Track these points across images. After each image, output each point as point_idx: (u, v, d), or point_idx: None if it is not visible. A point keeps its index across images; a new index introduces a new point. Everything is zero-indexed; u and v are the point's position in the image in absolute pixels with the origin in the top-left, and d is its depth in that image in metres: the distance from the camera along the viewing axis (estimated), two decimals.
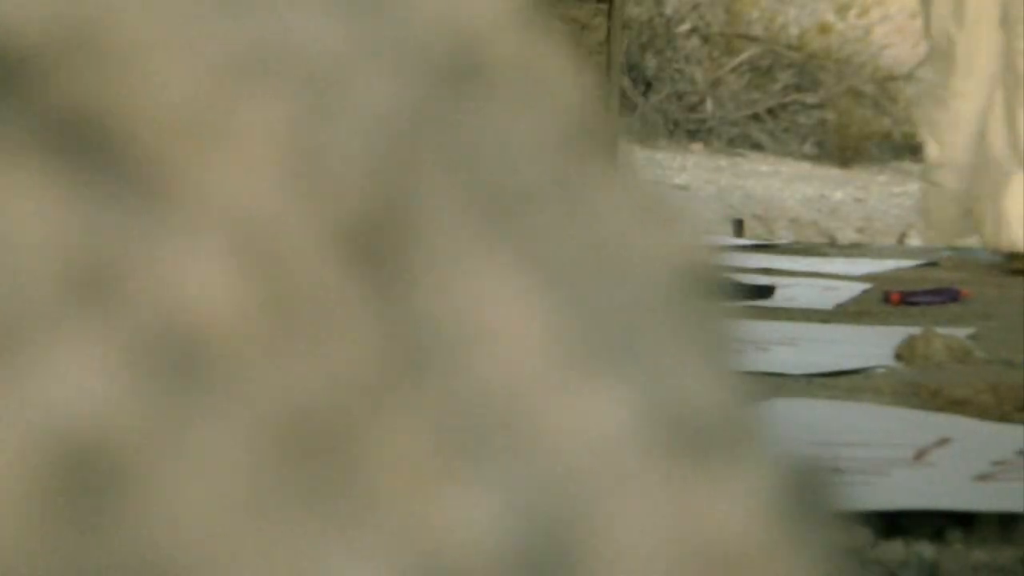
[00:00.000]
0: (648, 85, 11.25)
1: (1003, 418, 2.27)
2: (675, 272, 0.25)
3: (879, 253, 4.48)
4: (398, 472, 0.21)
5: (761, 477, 0.24)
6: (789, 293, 3.32)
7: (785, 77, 11.33)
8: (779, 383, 2.27)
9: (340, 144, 0.21)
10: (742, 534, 0.22)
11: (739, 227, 6.78)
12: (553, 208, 0.24)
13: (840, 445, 1.76)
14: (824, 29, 11.52)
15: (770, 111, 11.12)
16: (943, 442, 1.78)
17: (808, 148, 10.95)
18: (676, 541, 0.21)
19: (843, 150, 10.73)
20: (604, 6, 5.17)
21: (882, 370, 2.39)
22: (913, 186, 10.32)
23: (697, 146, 10.76)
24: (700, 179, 9.56)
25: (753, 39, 11.41)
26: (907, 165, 11.15)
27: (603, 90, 5.09)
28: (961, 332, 2.73)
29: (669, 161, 10.11)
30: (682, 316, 0.25)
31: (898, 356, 2.50)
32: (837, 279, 3.63)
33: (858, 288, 3.42)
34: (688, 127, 10.98)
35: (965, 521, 1.52)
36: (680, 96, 11.03)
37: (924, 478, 1.61)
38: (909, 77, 11.93)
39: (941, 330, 2.62)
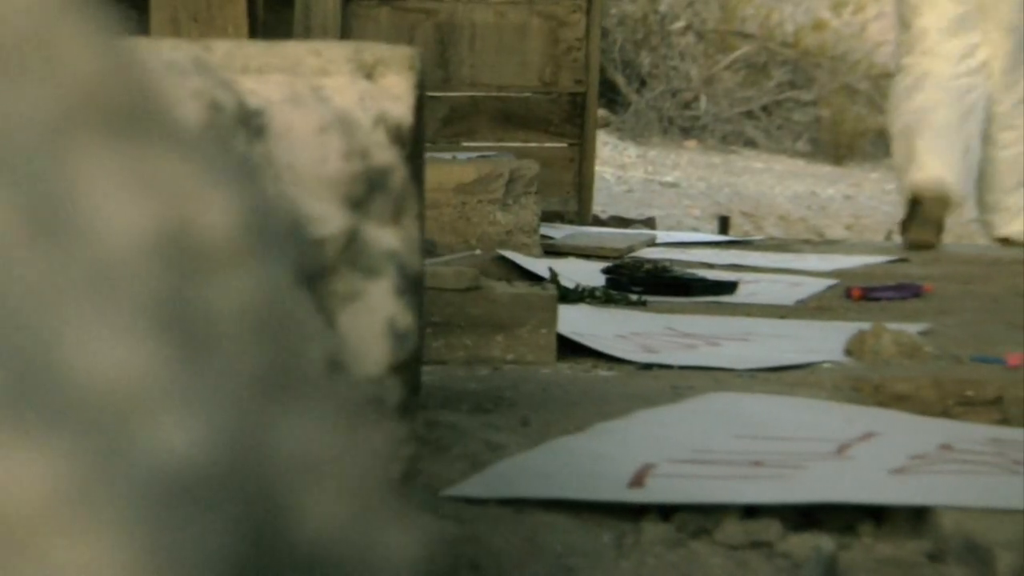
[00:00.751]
0: (643, 82, 11.25)
1: (944, 413, 2.27)
2: (153, 244, 0.25)
3: (852, 249, 4.47)
4: None
5: (74, 453, 0.24)
6: (753, 289, 3.32)
7: (780, 74, 11.33)
8: (722, 377, 2.28)
9: None
10: (24, 504, 0.23)
11: (724, 224, 6.79)
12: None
13: (763, 439, 1.76)
14: (819, 26, 11.52)
15: (764, 108, 11.12)
16: (868, 436, 1.78)
17: (801, 145, 10.95)
18: None
19: (837, 147, 10.73)
20: (582, 2, 5.18)
21: (828, 365, 2.40)
22: None
23: (691, 143, 10.76)
24: (693, 176, 9.56)
25: (747, 36, 11.41)
26: None
27: (583, 85, 5.08)
28: (915, 328, 2.73)
29: (662, 158, 10.11)
30: (135, 287, 0.25)
31: (848, 351, 2.50)
32: (806, 275, 3.63)
33: (824, 284, 3.43)
34: (682, 124, 10.98)
35: (879, 515, 1.52)
36: (674, 93, 11.03)
37: (841, 472, 1.61)
38: None
39: (895, 326, 2.62)
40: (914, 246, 6.01)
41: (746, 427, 1.82)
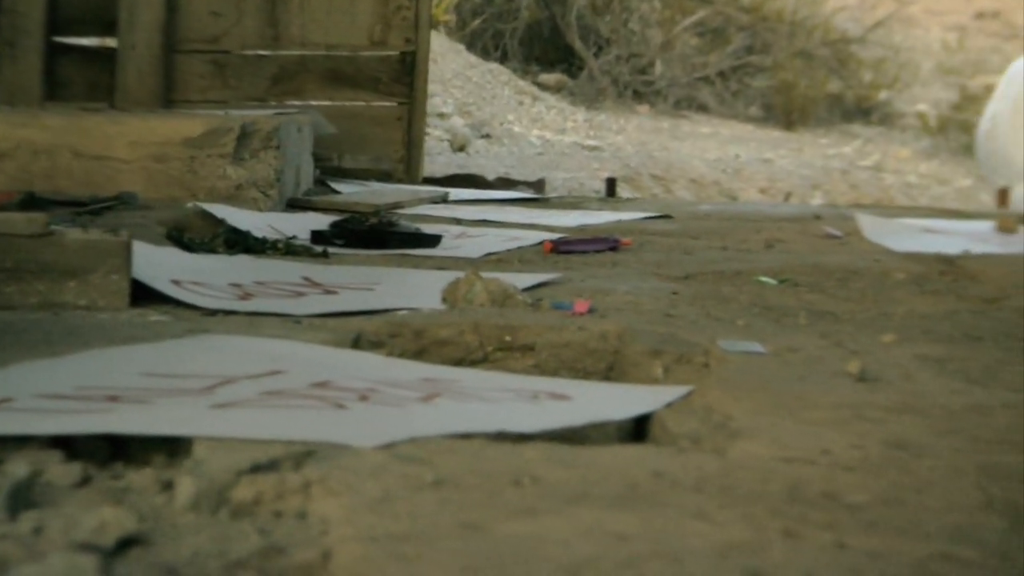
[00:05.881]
0: (600, 48, 11.20)
1: (485, 358, 2.28)
2: None
3: (638, 207, 4.44)
4: None
5: None
6: (459, 243, 3.32)
7: (738, 39, 11.25)
8: (266, 322, 2.28)
9: None
10: None
11: (611, 186, 6.76)
12: None
13: (162, 376, 1.78)
14: None
15: (721, 73, 11.06)
16: (271, 374, 1.79)
17: (755, 110, 10.88)
18: None
19: (789, 112, 10.67)
20: None
21: (404, 312, 2.40)
22: (849, 148, 10.25)
23: (643, 108, 10.72)
24: (635, 140, 9.52)
25: (708, 2, 11.34)
26: (856, 128, 11.07)
27: (412, 44, 5.08)
28: (543, 277, 2.74)
29: (609, 123, 10.07)
30: None
31: (443, 299, 2.51)
32: (546, 230, 3.62)
33: (541, 239, 3.42)
34: (637, 89, 10.94)
35: (179, 447, 1.53)
36: (629, 58, 10.98)
37: (172, 407, 1.61)
38: (863, 40, 11.82)
39: (511, 275, 2.63)
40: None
41: (167, 366, 1.83)
